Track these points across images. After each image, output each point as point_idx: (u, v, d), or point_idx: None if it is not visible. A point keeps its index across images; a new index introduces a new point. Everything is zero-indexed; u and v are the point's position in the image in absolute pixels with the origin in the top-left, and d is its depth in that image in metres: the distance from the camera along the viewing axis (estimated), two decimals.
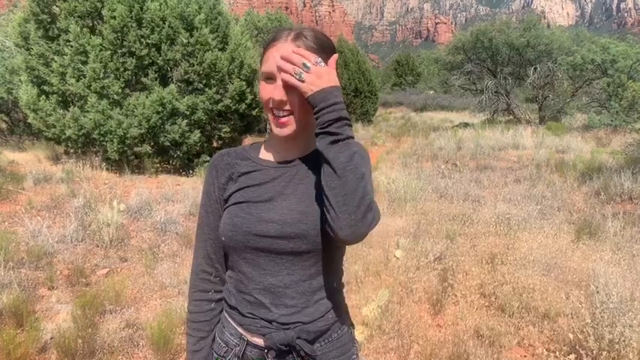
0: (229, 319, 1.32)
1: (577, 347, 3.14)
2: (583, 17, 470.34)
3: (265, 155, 1.34)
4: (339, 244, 1.25)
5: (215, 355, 1.35)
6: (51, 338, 3.35)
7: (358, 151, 1.14)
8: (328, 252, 1.24)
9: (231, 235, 1.24)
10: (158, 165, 9.67)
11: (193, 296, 1.38)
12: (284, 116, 1.20)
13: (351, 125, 1.14)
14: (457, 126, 20.64)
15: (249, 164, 1.32)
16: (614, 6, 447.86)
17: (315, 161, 1.27)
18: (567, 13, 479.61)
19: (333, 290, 1.30)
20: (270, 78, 1.19)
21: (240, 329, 1.28)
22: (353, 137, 1.13)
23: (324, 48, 1.21)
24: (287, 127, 1.21)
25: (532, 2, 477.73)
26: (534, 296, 3.95)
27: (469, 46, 22.88)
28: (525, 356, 3.35)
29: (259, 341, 1.25)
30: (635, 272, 4.31)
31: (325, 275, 1.27)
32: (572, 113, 21.28)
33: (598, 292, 3.42)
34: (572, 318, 3.63)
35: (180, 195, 7.31)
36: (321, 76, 1.10)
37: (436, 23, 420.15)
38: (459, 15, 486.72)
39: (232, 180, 1.31)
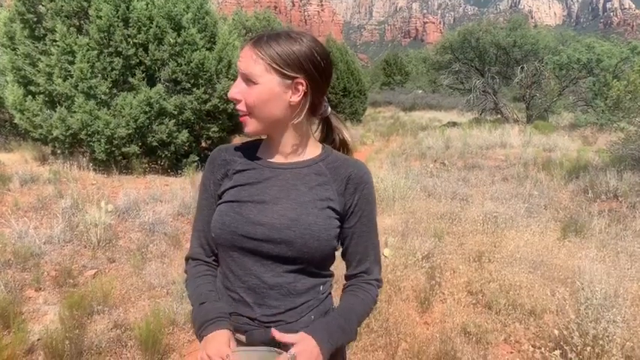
0: None
1: (562, 343, 3.19)
2: (570, 17, 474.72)
3: (262, 154, 1.33)
4: (326, 255, 1.27)
5: None
6: (38, 340, 3.33)
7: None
8: (314, 260, 1.24)
9: (219, 232, 1.25)
10: (146, 165, 9.60)
11: (194, 272, 1.36)
12: (242, 115, 1.22)
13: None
14: (445, 125, 20.75)
15: (245, 162, 1.31)
16: (600, 6, 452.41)
17: (312, 169, 1.28)
18: (554, 13, 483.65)
19: (319, 294, 1.30)
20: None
21: None
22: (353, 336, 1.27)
23: (288, 60, 1.16)
24: (247, 125, 1.23)
25: (520, 2, 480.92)
26: (521, 293, 4.00)
27: (457, 45, 23.06)
28: (512, 352, 3.39)
29: (241, 337, 1.25)
30: (619, 269, 4.37)
31: (311, 280, 1.27)
32: (559, 112, 21.50)
33: (583, 289, 3.48)
34: (557, 314, 3.68)
35: (168, 195, 7.28)
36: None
37: (424, 23, 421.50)
38: (447, 15, 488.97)
39: (227, 177, 1.31)
